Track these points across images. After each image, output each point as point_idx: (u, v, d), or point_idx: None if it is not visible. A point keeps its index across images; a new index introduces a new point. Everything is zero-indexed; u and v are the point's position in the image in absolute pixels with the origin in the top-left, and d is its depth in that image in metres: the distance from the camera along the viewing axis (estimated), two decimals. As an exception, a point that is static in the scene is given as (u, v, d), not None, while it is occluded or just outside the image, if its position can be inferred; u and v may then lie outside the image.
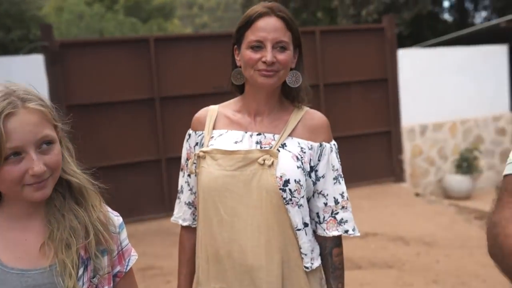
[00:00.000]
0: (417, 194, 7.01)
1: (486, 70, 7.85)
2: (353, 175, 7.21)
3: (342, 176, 1.50)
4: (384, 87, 7.30)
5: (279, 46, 1.38)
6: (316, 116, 1.51)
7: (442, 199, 7.21)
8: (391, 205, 6.44)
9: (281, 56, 1.38)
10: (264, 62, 1.36)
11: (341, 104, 7.11)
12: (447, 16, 16.04)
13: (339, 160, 1.51)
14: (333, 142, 1.51)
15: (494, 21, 9.16)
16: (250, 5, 14.18)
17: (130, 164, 6.24)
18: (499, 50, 8.03)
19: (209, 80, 6.03)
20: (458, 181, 7.56)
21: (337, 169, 1.48)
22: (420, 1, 11.54)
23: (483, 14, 15.97)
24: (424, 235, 5.28)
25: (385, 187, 7.22)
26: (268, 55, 1.35)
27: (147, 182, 6.31)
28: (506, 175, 0.99)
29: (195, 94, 6.16)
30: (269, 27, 1.37)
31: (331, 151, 1.47)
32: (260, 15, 1.38)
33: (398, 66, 7.28)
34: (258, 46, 1.37)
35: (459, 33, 9.35)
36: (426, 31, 13.78)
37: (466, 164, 7.59)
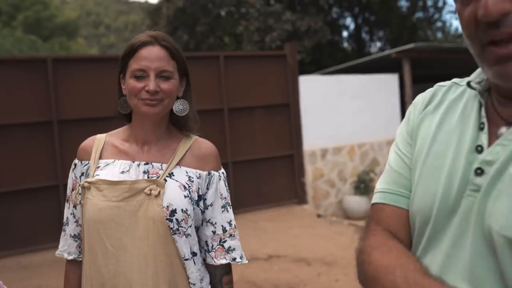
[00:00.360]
0: (318, 215, 7.24)
1: (380, 96, 8.39)
2: (258, 198, 7.32)
3: (230, 204, 1.50)
4: (287, 112, 7.53)
5: (162, 75, 1.37)
6: (205, 145, 1.51)
7: (342, 219, 7.50)
8: (294, 226, 6.58)
9: (165, 85, 1.37)
10: (148, 91, 1.35)
11: (245, 128, 7.22)
12: (346, 45, 17.01)
13: (228, 188, 1.52)
14: (222, 170, 1.52)
15: (386, 52, 9.85)
16: (157, 27, 14.10)
17: (23, 190, 5.86)
18: (391, 79, 8.64)
19: (111, 102, 5.81)
20: (356, 202, 7.94)
21: (225, 197, 1.49)
22: (319, 30, 12.12)
23: (378, 44, 17.16)
24: (325, 255, 5.45)
25: (288, 209, 7.38)
26: (151, 84, 1.34)
27: (43, 209, 5.93)
28: (373, 204, 1.01)
29: (97, 117, 5.93)
30: (152, 56, 1.36)
31: (219, 180, 1.48)
32: (144, 44, 1.37)
33: (299, 92, 7.55)
34: (141, 75, 1.36)
35: (356, 61, 9.93)
36: (327, 58, 14.50)
37: (363, 185, 8.00)
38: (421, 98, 1.05)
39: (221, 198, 1.47)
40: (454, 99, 0.97)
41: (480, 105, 0.89)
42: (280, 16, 12.52)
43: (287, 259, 5.40)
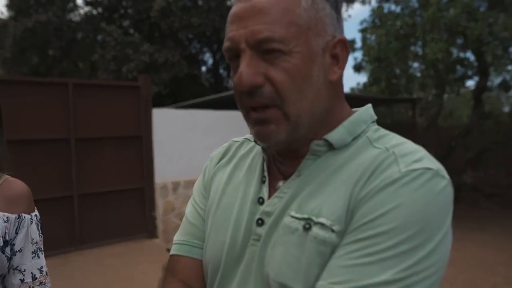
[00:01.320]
0: (168, 250, 7.15)
1: (231, 132, 8.58)
2: (106, 232, 7.01)
3: (42, 249, 1.43)
4: (139, 144, 7.41)
5: None
6: (16, 186, 1.42)
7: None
8: (143, 262, 6.41)
9: None
10: None
11: (94, 159, 6.94)
12: (204, 80, 17.35)
13: (41, 232, 1.44)
14: (35, 213, 1.44)
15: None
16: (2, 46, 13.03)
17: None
18: (241, 115, 8.96)
19: None
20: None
21: (36, 242, 1.41)
22: (177, 64, 12.23)
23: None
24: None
25: (138, 244, 7.19)
26: None
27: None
28: (170, 256, 1.05)
29: None
30: None
31: (31, 223, 1.40)
32: None
33: (152, 125, 7.50)
34: None
35: (210, 97, 10.16)
36: (184, 92, 14.62)
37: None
38: (217, 152, 1.14)
39: (32, 243, 1.39)
40: (244, 154, 1.07)
41: (263, 160, 0.98)
42: (138, 46, 12.40)
43: (132, 297, 5.23)
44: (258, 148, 1.04)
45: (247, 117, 0.89)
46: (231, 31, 0.85)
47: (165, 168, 7.62)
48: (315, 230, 0.80)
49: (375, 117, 0.95)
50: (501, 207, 10.18)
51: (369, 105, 0.97)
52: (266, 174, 0.96)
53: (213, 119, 8.39)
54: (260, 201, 0.93)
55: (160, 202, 7.64)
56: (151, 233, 7.46)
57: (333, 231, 0.79)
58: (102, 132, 7.03)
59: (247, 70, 0.82)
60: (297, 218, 0.83)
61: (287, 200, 0.87)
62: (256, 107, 0.85)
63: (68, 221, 6.67)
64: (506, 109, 17.47)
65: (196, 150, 8.07)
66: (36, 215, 1.44)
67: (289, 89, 0.82)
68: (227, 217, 0.97)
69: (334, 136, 0.88)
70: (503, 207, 10.14)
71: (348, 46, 0.90)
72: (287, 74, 0.82)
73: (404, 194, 0.75)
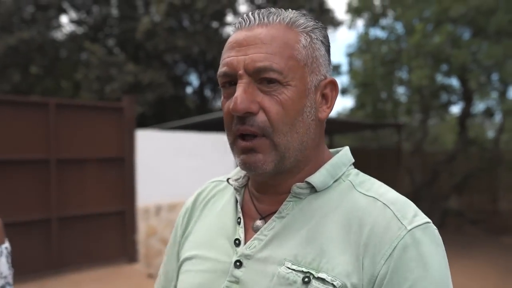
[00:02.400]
0: (149, 275, 6.96)
1: (214, 155, 8.55)
2: (85, 256, 6.82)
3: (11, 283, 1.32)
4: (121, 166, 7.26)
5: None
6: None
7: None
8: (123, 287, 6.24)
9: None
10: None
11: (75, 181, 6.77)
12: (190, 101, 17.30)
13: (11, 265, 1.33)
14: (6, 245, 1.33)
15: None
16: None
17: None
18: (225, 138, 8.87)
19: None
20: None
21: (5, 276, 1.30)
22: (162, 85, 12.18)
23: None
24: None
25: (117, 269, 6.99)
26: None
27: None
28: None
29: None
30: None
31: (1, 256, 1.29)
32: None
33: (135, 146, 7.37)
34: None
35: (194, 118, 10.09)
36: (170, 113, 14.56)
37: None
38: (196, 193, 1.13)
39: (0, 277, 1.28)
40: (220, 195, 1.07)
41: (237, 201, 0.99)
42: (122, 66, 12.31)
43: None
44: (231, 188, 1.04)
45: (233, 144, 0.90)
46: (230, 57, 0.87)
47: (148, 191, 7.47)
48: (315, 284, 0.80)
49: (353, 160, 0.98)
50: (486, 233, 10.20)
51: (347, 148, 1.00)
52: (240, 215, 0.96)
53: (198, 142, 8.31)
54: (237, 242, 0.92)
55: (142, 226, 7.46)
56: (132, 257, 7.27)
57: (334, 286, 0.79)
58: (83, 153, 6.90)
59: (243, 95, 0.83)
60: (294, 270, 0.83)
61: (267, 243, 0.88)
62: (245, 134, 0.86)
63: (46, 245, 6.47)
64: (490, 135, 17.70)
65: (180, 172, 7.96)
66: (6, 247, 1.33)
67: (282, 121, 0.84)
68: (202, 262, 0.97)
69: (317, 179, 0.90)
70: (488, 233, 10.16)
71: (338, 88, 0.94)
72: (282, 106, 0.84)
73: (424, 256, 0.79)
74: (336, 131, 12.43)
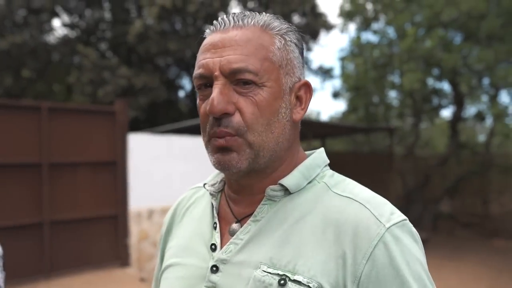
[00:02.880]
0: (142, 280, 6.94)
1: (207, 159, 8.50)
2: (77, 260, 6.78)
3: (3, 287, 1.32)
4: (113, 170, 7.23)
5: None
6: None
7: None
8: (114, 292, 6.21)
9: None
10: None
11: (67, 185, 6.74)
12: (183, 105, 17.25)
13: (2, 268, 1.33)
14: None
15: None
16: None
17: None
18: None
19: None
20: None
21: None
22: (155, 89, 12.15)
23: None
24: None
25: (109, 273, 6.95)
26: None
27: None
28: None
29: None
30: None
31: None
32: None
33: (128, 150, 7.35)
34: None
35: (186, 122, 10.07)
36: (162, 117, 14.52)
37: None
38: (178, 201, 1.15)
39: None
40: (198, 201, 1.08)
41: (213, 207, 0.99)
42: (115, 70, 12.28)
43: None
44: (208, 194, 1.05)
45: (208, 143, 0.90)
46: (205, 59, 0.88)
47: (140, 195, 7.45)
48: (291, 286, 0.81)
49: (328, 161, 0.99)
50: (477, 236, 10.25)
51: (322, 149, 1.00)
52: (216, 220, 0.97)
53: (191, 145, 8.30)
54: (213, 247, 0.93)
55: (134, 230, 7.44)
56: (124, 261, 7.23)
57: None
58: (75, 157, 6.87)
59: (219, 97, 0.84)
60: (270, 273, 0.83)
61: (243, 247, 0.89)
62: (219, 134, 0.86)
63: (37, 249, 6.43)
64: (481, 139, 17.80)
65: (173, 176, 7.94)
66: None
67: (257, 121, 0.85)
68: (180, 269, 0.97)
69: (290, 181, 0.90)
70: (480, 236, 10.21)
71: (312, 90, 0.95)
72: (257, 107, 0.85)
73: (403, 253, 0.80)
74: (328, 134, 12.45)
